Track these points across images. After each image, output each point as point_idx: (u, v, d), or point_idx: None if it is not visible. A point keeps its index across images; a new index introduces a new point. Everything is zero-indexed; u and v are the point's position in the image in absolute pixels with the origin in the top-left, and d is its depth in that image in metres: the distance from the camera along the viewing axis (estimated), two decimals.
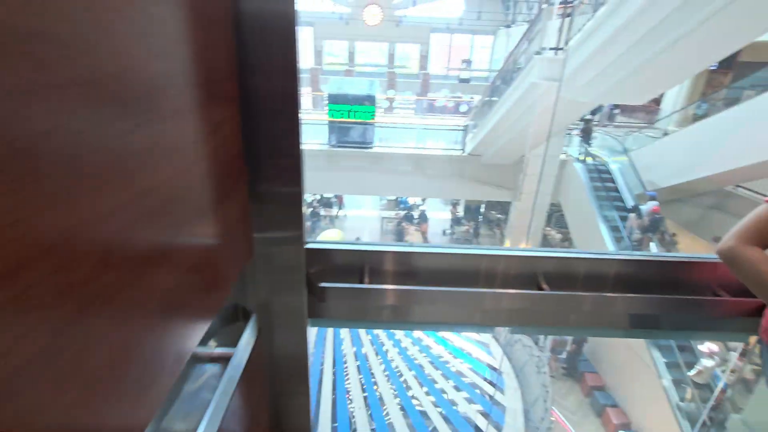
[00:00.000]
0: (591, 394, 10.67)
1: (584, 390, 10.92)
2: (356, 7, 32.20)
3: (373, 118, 12.68)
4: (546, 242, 16.64)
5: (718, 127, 10.18)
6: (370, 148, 12.94)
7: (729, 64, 17.83)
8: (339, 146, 12.80)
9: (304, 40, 34.78)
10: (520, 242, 14.55)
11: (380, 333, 6.11)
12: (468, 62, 32.56)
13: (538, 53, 7.23)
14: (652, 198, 10.66)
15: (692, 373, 8.37)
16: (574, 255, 1.30)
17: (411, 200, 20.68)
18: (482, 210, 20.15)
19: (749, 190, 10.93)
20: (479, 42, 34.41)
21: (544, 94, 7.79)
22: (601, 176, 12.38)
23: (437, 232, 18.15)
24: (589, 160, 13.08)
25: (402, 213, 18.53)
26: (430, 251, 1.28)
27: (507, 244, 15.05)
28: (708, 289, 1.29)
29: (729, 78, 17.70)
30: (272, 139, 0.96)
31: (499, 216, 19.27)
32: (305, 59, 35.24)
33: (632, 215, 10.62)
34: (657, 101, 20.35)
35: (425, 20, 32.92)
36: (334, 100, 12.41)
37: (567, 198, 13.67)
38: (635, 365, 9.81)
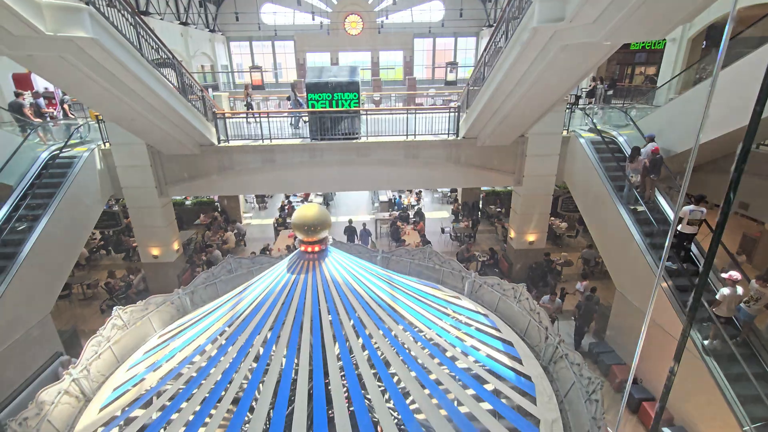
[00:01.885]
0: (623, 389, 9.45)
1: (614, 385, 9.71)
2: (337, 17, 31.91)
3: (357, 106, 11.73)
4: (551, 231, 15.60)
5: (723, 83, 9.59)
6: (357, 138, 11.95)
7: (717, 42, 17.47)
8: (322, 139, 11.80)
9: (285, 54, 34.33)
10: (525, 234, 13.51)
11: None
12: (454, 64, 32.13)
13: None
14: (651, 139, 10.24)
15: (714, 307, 7.64)
16: None
17: (405, 201, 19.67)
18: (480, 205, 19.14)
19: None
20: (463, 44, 34.22)
21: (549, 42, 6.88)
22: (610, 149, 11.45)
23: (435, 230, 17.05)
24: (594, 135, 12.16)
25: (397, 213, 17.45)
26: None
27: (511, 235, 13.98)
28: None
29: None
30: None
31: (498, 210, 18.26)
32: (287, 72, 34.74)
33: (627, 161, 10.45)
34: (653, 80, 19.75)
35: (407, 26, 32.68)
36: (314, 89, 11.47)
37: (573, 177, 12.69)
38: (660, 339, 8.68)
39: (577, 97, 13.53)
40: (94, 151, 11.54)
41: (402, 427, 4.20)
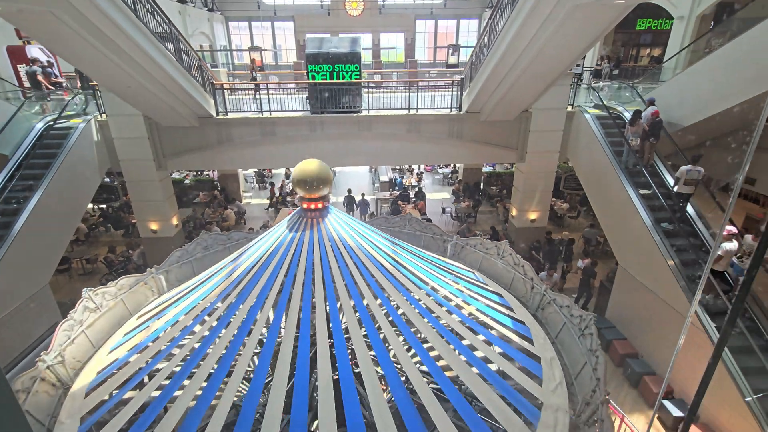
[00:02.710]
0: (623, 363, 9.45)
1: (615, 359, 9.69)
2: None
3: (359, 78, 11.49)
4: (552, 212, 15.49)
5: (719, 62, 9.73)
6: (359, 112, 11.74)
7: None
8: (323, 112, 11.59)
9: (284, 35, 33.78)
10: (527, 212, 13.40)
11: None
12: (456, 47, 31.65)
13: None
14: (651, 103, 10.34)
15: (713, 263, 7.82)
16: None
17: (406, 182, 19.52)
18: (481, 186, 18.99)
19: None
20: (465, 27, 33.66)
21: (559, 3, 6.64)
22: (616, 124, 11.25)
23: (436, 210, 16.94)
24: (599, 111, 11.96)
25: (397, 193, 17.32)
26: None
27: (513, 213, 13.87)
28: None
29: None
30: None
31: (499, 191, 18.12)
32: (287, 54, 34.22)
33: (628, 125, 10.64)
34: (659, 61, 19.44)
35: (409, 7, 32.08)
36: (314, 59, 11.22)
37: (577, 153, 12.52)
38: (660, 314, 8.68)
39: (578, 76, 13.27)
40: (91, 123, 11.33)
41: (432, 382, 4.14)
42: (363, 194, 15.92)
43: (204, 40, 28.93)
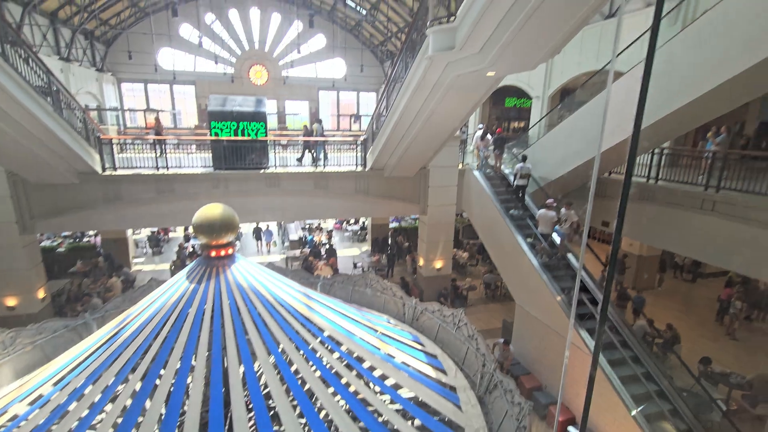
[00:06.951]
0: (531, 397, 10.00)
1: (524, 393, 10.21)
2: (241, 66, 32.07)
3: (265, 136, 11.62)
4: (455, 261, 16.60)
5: (565, 132, 12.36)
6: (265, 168, 11.71)
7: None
8: (227, 169, 11.33)
9: (184, 99, 33.06)
10: (433, 261, 14.16)
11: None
12: (357, 117, 34.13)
13: (430, 25, 7.26)
14: (493, 125, 13.73)
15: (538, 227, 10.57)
16: None
17: (316, 239, 19.41)
18: (389, 240, 19.68)
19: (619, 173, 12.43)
20: (365, 98, 36.60)
21: (444, 72, 7.74)
22: (500, 179, 12.97)
23: (348, 266, 16.96)
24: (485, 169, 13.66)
25: (308, 250, 17.07)
26: None
27: (420, 263, 14.54)
28: None
29: None
30: None
31: (406, 244, 18.96)
32: (187, 117, 33.27)
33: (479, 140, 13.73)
34: (526, 128, 23.11)
35: (312, 80, 34.08)
36: (218, 117, 11.14)
37: (471, 205, 13.89)
38: (559, 347, 9.52)
39: (464, 141, 15.39)
40: None
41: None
42: (267, 225, 19.30)
43: (91, 100, 26.84)
